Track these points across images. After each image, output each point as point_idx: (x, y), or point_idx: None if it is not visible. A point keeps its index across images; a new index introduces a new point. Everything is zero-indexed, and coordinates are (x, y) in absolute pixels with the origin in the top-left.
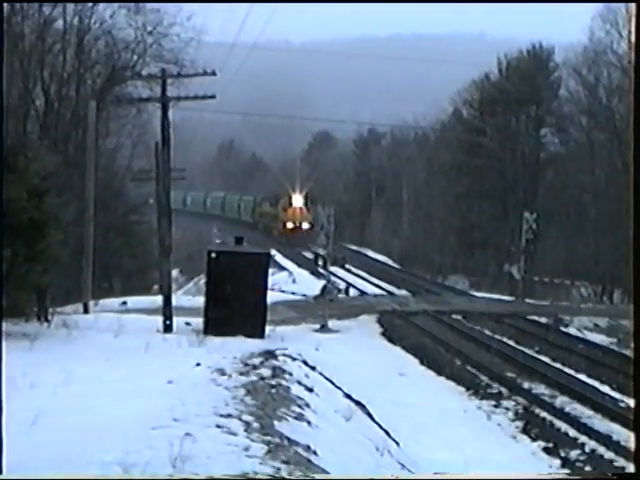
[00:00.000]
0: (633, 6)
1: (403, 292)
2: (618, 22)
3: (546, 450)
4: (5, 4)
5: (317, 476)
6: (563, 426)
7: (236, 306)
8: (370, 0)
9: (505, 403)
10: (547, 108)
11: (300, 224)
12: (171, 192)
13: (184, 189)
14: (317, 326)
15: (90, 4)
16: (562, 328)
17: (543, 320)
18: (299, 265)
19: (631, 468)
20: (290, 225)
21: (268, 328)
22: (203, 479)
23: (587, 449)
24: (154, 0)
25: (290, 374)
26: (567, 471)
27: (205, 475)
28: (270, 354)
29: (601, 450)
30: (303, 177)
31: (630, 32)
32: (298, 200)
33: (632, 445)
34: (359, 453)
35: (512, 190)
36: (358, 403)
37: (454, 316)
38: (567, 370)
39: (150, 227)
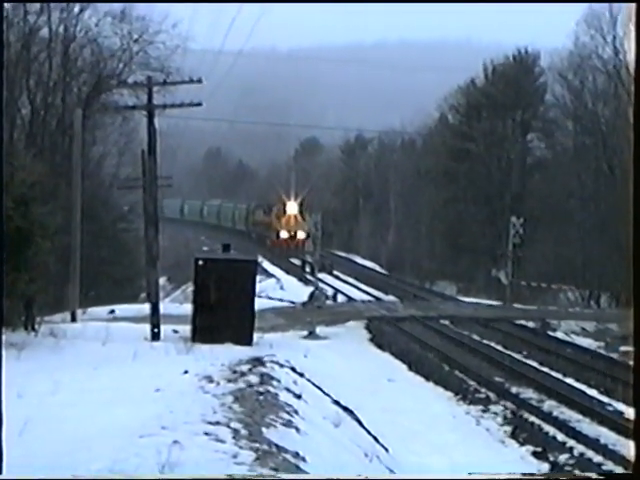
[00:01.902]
0: (633, 6)
1: (391, 298)
2: (602, 27)
3: (535, 454)
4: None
5: (315, 476)
6: (551, 430)
7: (224, 313)
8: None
9: (493, 408)
10: (533, 113)
11: (295, 233)
12: (169, 201)
13: (182, 198)
14: (305, 333)
15: (75, 12)
16: (550, 332)
17: (531, 324)
18: (287, 272)
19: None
20: (284, 234)
21: (256, 335)
22: (200, 479)
23: (575, 453)
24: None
25: (278, 381)
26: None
27: (200, 475)
28: (258, 361)
29: (589, 454)
30: (298, 184)
31: (617, 35)
32: (293, 207)
33: (622, 449)
34: (348, 459)
35: (499, 195)
36: (347, 409)
37: (442, 321)
38: (555, 374)
39: (137, 235)
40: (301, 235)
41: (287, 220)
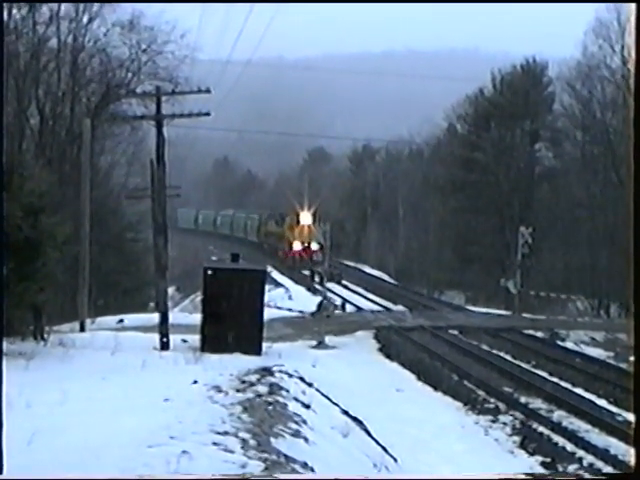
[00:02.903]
0: (633, 6)
1: (400, 308)
2: (611, 37)
3: (544, 465)
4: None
5: (314, 476)
6: (560, 440)
7: (232, 323)
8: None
9: (502, 418)
10: (541, 122)
11: (309, 244)
12: (183, 211)
13: (196, 208)
14: (314, 342)
15: (84, 22)
16: (559, 342)
17: (540, 334)
18: (295, 282)
19: None
20: (297, 246)
21: (265, 345)
22: (202, 479)
23: (585, 463)
24: (167, 0)
25: (287, 391)
26: None
27: (204, 475)
28: (267, 371)
29: (599, 464)
30: (311, 193)
31: (625, 45)
32: (306, 218)
33: (632, 459)
34: (356, 470)
35: (507, 204)
36: (355, 419)
37: (451, 331)
38: (564, 384)
39: (146, 245)
40: (315, 246)
41: (300, 231)
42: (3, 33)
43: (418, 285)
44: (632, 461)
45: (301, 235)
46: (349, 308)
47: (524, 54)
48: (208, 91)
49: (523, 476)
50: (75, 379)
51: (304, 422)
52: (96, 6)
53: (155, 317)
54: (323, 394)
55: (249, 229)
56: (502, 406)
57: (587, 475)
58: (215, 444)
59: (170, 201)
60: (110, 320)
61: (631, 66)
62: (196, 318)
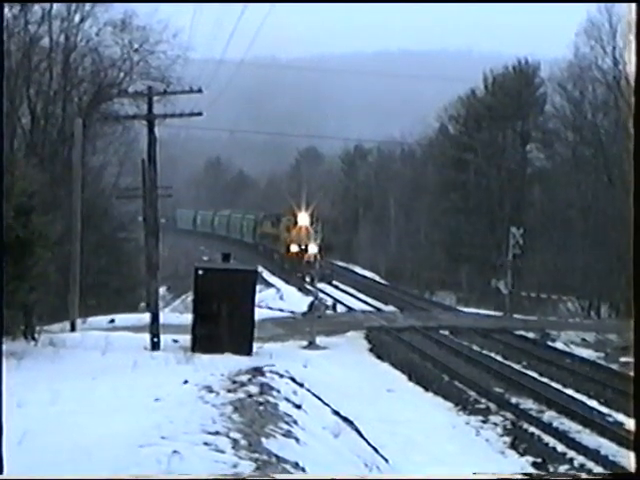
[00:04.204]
0: (633, 6)
1: (391, 308)
2: (602, 38)
3: (535, 465)
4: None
5: (313, 476)
6: (551, 441)
7: (223, 323)
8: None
9: (493, 418)
10: (533, 123)
11: (306, 246)
12: (182, 212)
13: (194, 209)
14: (305, 343)
15: (76, 21)
16: (549, 343)
17: (531, 335)
18: (287, 282)
19: None
20: (294, 248)
21: (256, 345)
22: (198, 479)
23: (576, 464)
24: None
25: (278, 391)
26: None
27: (199, 475)
28: (258, 371)
29: (590, 465)
30: (299, 194)
31: (617, 46)
32: (304, 219)
33: (622, 460)
34: (348, 470)
35: (498, 205)
36: (346, 420)
37: (442, 332)
38: (555, 385)
39: (137, 244)
40: (313, 249)
41: (298, 232)
42: (3, 33)
43: (409, 285)
44: (623, 462)
45: (298, 237)
46: (340, 308)
47: (516, 55)
48: (200, 91)
49: (520, 476)
50: (66, 379)
51: (295, 422)
52: (88, 5)
53: (146, 317)
54: (314, 394)
55: (245, 230)
56: (493, 407)
57: (584, 475)
58: (206, 444)
59: (169, 202)
60: (101, 320)
61: (629, 69)
62: (187, 318)
